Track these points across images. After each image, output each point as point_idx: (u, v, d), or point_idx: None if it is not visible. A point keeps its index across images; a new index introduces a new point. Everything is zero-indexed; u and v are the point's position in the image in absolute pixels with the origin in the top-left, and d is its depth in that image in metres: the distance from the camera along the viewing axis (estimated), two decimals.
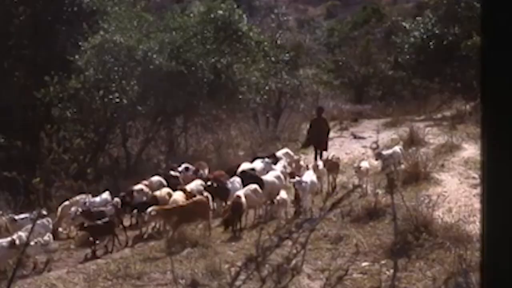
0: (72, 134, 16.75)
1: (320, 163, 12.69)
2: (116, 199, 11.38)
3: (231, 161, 16.16)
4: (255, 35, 20.04)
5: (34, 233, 9.29)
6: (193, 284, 7.80)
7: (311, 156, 15.75)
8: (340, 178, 13.36)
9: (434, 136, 16.92)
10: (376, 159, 12.85)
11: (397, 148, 13.25)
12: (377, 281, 7.56)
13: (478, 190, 10.78)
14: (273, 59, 21.16)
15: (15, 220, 10.69)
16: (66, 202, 11.74)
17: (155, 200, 11.08)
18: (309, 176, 11.47)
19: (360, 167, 12.12)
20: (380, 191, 11.13)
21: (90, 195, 11.96)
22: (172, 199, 11.07)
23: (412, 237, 8.68)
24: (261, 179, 11.61)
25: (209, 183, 11.71)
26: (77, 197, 11.83)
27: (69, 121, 16.62)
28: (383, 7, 39.33)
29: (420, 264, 7.96)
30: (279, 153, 14.66)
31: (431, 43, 23.68)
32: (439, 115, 23.21)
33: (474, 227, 8.53)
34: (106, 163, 18.98)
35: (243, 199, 10.39)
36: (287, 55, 23.20)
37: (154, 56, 16.38)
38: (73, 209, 10.88)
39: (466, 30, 22.01)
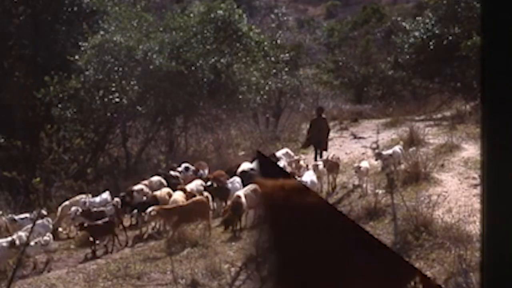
0: (72, 134, 16.76)
1: (320, 163, 12.68)
2: (116, 199, 11.39)
3: (231, 161, 16.15)
4: (255, 35, 20.03)
5: (34, 233, 9.30)
6: (193, 284, 7.81)
7: (311, 156, 15.74)
8: (340, 178, 13.35)
9: (434, 136, 16.90)
10: (376, 159, 12.84)
11: (397, 148, 13.24)
12: None
13: (478, 190, 10.77)
14: (273, 59, 21.14)
15: (15, 220, 10.71)
16: (66, 202, 11.76)
17: (155, 200, 11.09)
18: (309, 176, 11.47)
19: (360, 167, 12.11)
20: (380, 191, 11.12)
21: (90, 195, 11.98)
22: (172, 199, 11.07)
23: (412, 237, 8.68)
24: None
25: (209, 183, 11.72)
26: (77, 197, 11.85)
27: (69, 121, 16.61)
28: (383, 7, 39.36)
29: (420, 264, 7.94)
30: (279, 153, 14.65)
31: (431, 43, 23.64)
32: (439, 115, 23.18)
33: (474, 227, 8.51)
34: (106, 163, 18.98)
35: (243, 199, 10.39)
36: (287, 55, 23.19)
37: (154, 56, 16.38)
38: (73, 209, 10.89)
39: (466, 30, 21.99)
